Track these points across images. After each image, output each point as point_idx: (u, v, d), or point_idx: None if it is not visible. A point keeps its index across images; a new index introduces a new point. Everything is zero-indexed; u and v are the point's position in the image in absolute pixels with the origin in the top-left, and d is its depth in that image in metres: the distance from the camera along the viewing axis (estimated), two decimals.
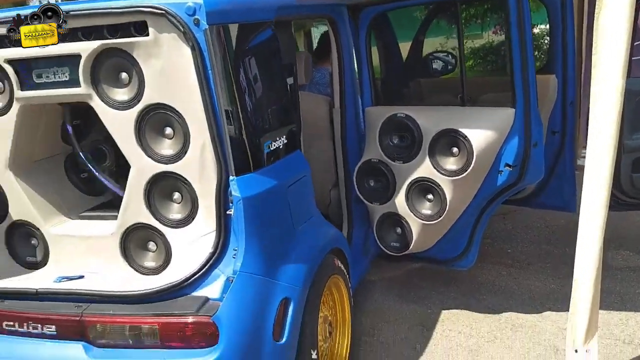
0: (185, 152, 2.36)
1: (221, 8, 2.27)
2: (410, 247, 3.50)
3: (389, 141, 3.40)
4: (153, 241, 2.56)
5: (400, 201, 3.40)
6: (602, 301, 2.64)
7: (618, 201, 3.57)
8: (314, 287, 2.66)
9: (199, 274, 2.36)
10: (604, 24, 2.25)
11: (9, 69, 2.40)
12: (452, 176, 3.17)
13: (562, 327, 3.33)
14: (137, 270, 2.58)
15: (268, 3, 2.58)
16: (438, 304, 3.79)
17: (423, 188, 3.31)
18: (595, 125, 2.36)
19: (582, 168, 2.46)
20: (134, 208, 2.49)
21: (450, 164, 3.19)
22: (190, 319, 2.26)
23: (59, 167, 2.83)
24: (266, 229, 2.45)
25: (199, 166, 2.37)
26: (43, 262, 2.71)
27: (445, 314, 3.68)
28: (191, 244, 2.47)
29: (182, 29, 2.17)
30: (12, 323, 2.43)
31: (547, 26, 4.71)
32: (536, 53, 3.36)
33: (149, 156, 2.40)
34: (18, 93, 2.43)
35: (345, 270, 3.08)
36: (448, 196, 3.21)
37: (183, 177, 2.42)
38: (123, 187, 2.60)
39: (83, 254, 2.61)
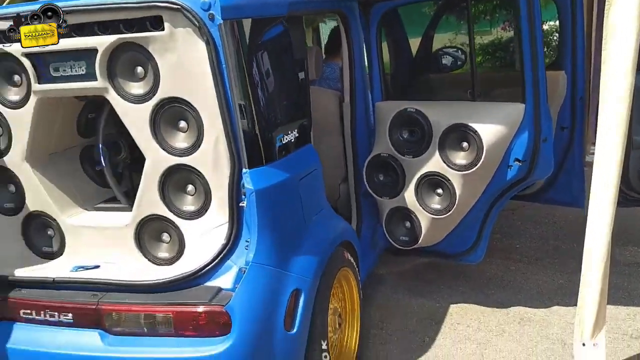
0: (199, 145, 2.40)
1: (235, 3, 2.31)
2: (419, 241, 3.52)
3: (399, 136, 3.42)
4: (167, 232, 2.61)
5: (409, 195, 3.42)
6: (609, 296, 2.65)
7: (626, 197, 3.58)
8: (324, 279, 2.70)
9: (212, 264, 2.41)
10: (614, 20, 2.27)
11: (26, 63, 2.45)
12: (461, 171, 3.19)
13: (570, 322, 3.36)
14: (151, 261, 2.63)
15: None
16: (447, 298, 3.82)
17: (432, 182, 3.33)
18: (605, 122, 2.37)
19: (590, 164, 2.47)
20: (148, 200, 2.54)
21: (460, 158, 3.21)
22: (203, 308, 2.31)
23: (75, 159, 2.89)
24: (278, 221, 2.49)
25: (213, 159, 2.41)
26: (59, 252, 2.76)
27: (453, 307, 3.71)
28: (204, 236, 2.51)
29: (197, 24, 2.21)
30: (29, 311, 2.49)
31: (556, 22, 4.72)
32: (545, 49, 3.37)
33: (164, 149, 2.44)
34: (35, 86, 2.48)
35: (354, 263, 3.12)
36: (457, 191, 3.24)
37: (197, 170, 2.46)
38: (130, 184, 2.69)
39: (98, 245, 2.66)
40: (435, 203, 3.37)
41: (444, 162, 3.24)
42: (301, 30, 2.90)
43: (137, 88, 2.40)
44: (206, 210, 2.52)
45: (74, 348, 2.40)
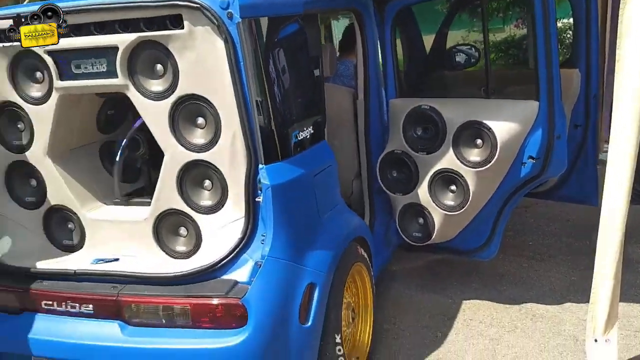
0: (217, 141, 2.45)
1: (253, 2, 2.34)
2: (433, 238, 3.55)
3: (413, 132, 3.44)
4: (184, 226, 2.66)
5: (423, 192, 3.45)
6: (621, 294, 2.67)
7: (639, 194, 3.58)
8: (338, 274, 2.73)
9: (229, 258, 2.45)
10: (629, 18, 2.28)
11: (48, 60, 2.50)
12: (475, 167, 3.21)
13: (582, 319, 3.37)
14: (168, 254, 2.68)
15: None
16: (459, 294, 3.84)
17: (446, 179, 3.35)
18: (619, 120, 2.39)
19: (603, 162, 2.49)
20: (167, 194, 2.59)
21: (474, 155, 3.23)
22: (220, 301, 2.36)
23: (95, 155, 2.94)
24: (293, 216, 2.53)
25: (229, 155, 2.45)
26: (79, 245, 2.82)
27: (466, 303, 3.73)
28: (220, 230, 2.56)
29: (215, 22, 2.25)
30: (51, 302, 2.55)
31: (570, 20, 4.71)
32: (559, 47, 3.37)
33: (182, 145, 2.49)
34: (57, 83, 2.53)
35: (368, 259, 3.15)
36: (471, 187, 3.26)
37: (214, 165, 2.50)
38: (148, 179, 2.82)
39: (117, 238, 2.72)
40: (449, 199, 3.39)
41: (458, 159, 3.26)
42: (316, 28, 2.94)
43: (156, 85, 2.44)
44: (222, 205, 2.56)
45: (95, 338, 2.46)
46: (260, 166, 2.40)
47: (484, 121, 3.17)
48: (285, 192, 2.45)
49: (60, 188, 2.74)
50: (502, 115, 3.19)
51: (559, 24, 6.90)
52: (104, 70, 2.46)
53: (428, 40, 4.37)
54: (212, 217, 2.59)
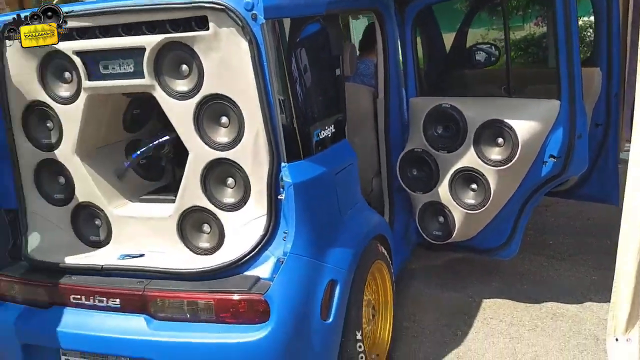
0: (240, 140, 2.49)
1: (277, 3, 2.38)
2: (453, 236, 3.56)
3: (434, 131, 3.46)
4: (207, 223, 2.71)
5: (443, 190, 3.46)
6: None
7: None
8: (358, 271, 2.76)
9: (251, 254, 2.50)
10: None
11: (77, 61, 2.57)
12: (496, 166, 3.22)
13: (602, 318, 3.36)
14: (192, 250, 2.73)
15: None
16: (479, 293, 3.85)
17: (467, 178, 3.37)
18: None
19: (624, 161, 2.48)
20: (191, 192, 2.64)
21: (495, 154, 3.24)
22: (243, 296, 2.40)
23: (121, 153, 3.00)
24: (315, 214, 2.56)
25: (252, 153, 2.49)
26: (106, 241, 2.88)
27: (486, 302, 3.74)
28: (243, 227, 2.60)
29: (240, 24, 2.29)
30: (79, 296, 2.62)
31: (591, 18, 4.68)
32: (580, 45, 3.37)
33: (206, 143, 2.54)
34: (85, 83, 2.59)
35: (388, 257, 3.18)
36: (492, 186, 3.27)
37: (237, 164, 2.55)
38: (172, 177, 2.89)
39: (143, 234, 2.78)
40: (470, 198, 3.40)
41: (479, 157, 3.27)
42: (338, 28, 2.96)
43: (182, 85, 2.49)
44: (245, 203, 2.61)
45: (121, 332, 2.52)
46: (283, 164, 2.44)
47: (506, 120, 3.17)
48: (307, 190, 2.48)
49: (87, 185, 2.81)
50: (524, 114, 3.20)
51: (580, 22, 6.85)
52: (131, 70, 2.51)
53: (448, 39, 4.38)
54: (235, 214, 2.63)
